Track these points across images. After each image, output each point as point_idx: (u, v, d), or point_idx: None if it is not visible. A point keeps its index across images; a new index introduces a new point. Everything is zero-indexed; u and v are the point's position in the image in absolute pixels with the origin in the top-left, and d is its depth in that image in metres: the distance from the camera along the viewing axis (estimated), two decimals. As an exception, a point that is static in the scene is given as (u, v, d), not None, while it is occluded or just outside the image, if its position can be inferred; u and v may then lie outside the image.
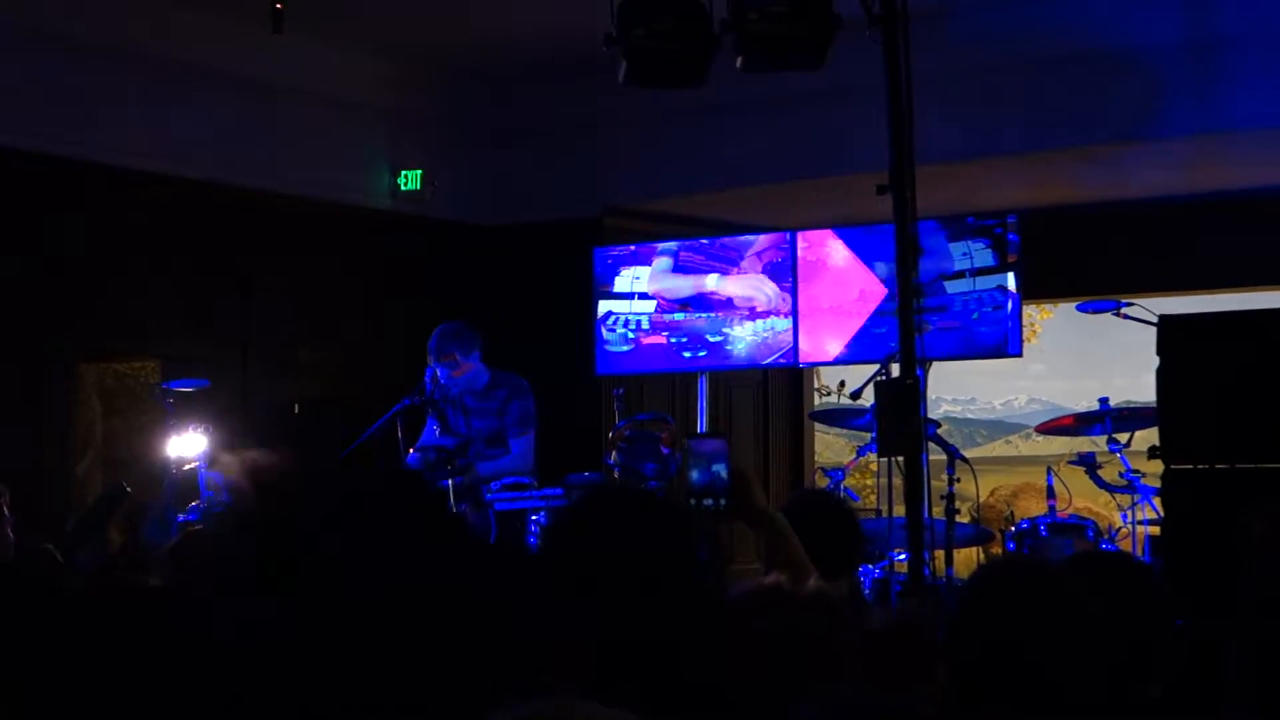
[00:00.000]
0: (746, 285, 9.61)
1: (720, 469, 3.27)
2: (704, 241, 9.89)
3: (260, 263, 9.81)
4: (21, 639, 2.34)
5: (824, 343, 9.43)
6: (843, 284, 9.37)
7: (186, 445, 8.18)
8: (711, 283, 9.71)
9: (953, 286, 8.95)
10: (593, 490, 3.23)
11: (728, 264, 9.71)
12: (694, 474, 3.27)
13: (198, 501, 7.90)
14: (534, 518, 7.29)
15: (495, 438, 8.03)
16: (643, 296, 9.91)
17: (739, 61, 6.18)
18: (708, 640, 2.30)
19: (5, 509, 5.97)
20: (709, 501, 3.22)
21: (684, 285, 9.79)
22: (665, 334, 9.85)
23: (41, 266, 8.73)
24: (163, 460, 8.31)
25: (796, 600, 2.74)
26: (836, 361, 9.73)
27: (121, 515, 8.33)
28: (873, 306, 9.22)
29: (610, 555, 2.29)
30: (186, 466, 8.16)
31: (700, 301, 9.74)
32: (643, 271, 9.93)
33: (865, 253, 9.30)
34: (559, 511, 2.56)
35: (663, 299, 9.82)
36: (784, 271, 9.51)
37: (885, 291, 9.04)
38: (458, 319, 8.29)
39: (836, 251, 9.42)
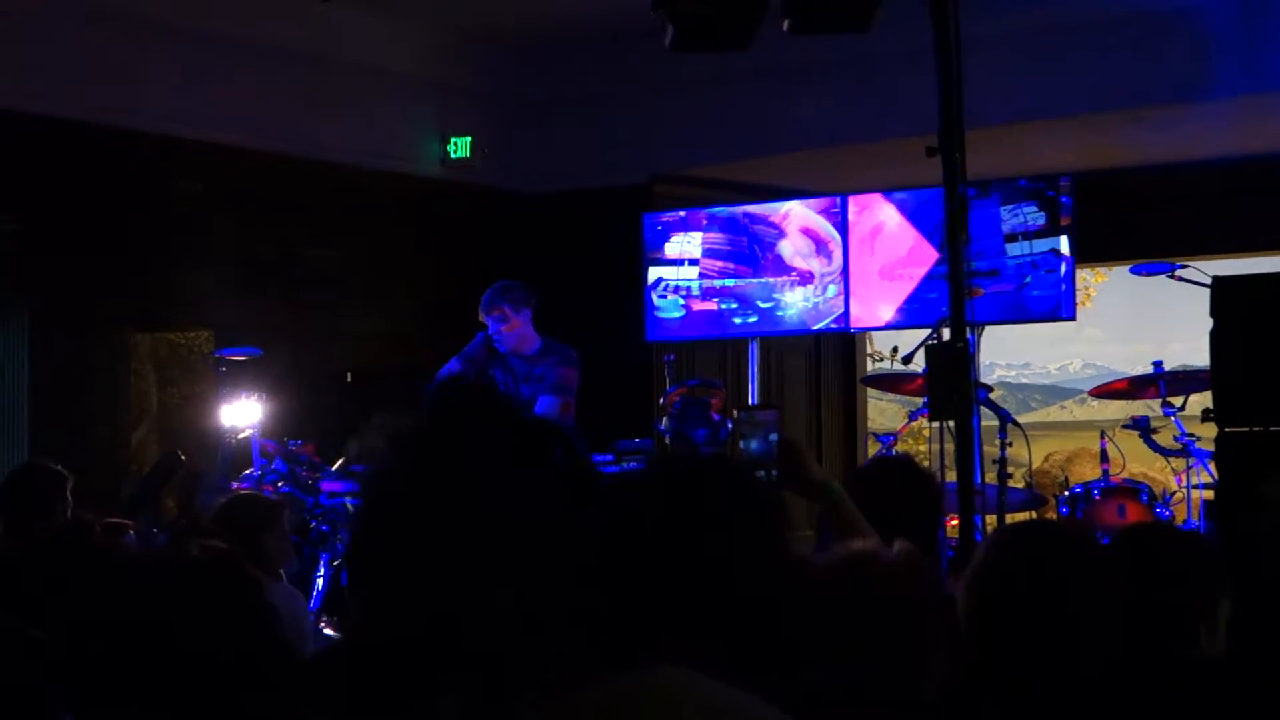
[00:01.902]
0: (797, 241, 9.58)
1: (773, 439, 3.25)
2: (754, 207, 9.87)
3: (310, 232, 9.87)
4: (75, 608, 2.36)
5: (876, 307, 9.39)
6: (894, 248, 9.33)
7: (240, 414, 8.25)
8: (772, 234, 9.68)
9: (1006, 250, 8.90)
10: (668, 457, 3.21)
11: (780, 220, 9.68)
12: (747, 445, 3.25)
13: (251, 469, 7.97)
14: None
15: (534, 403, 8.03)
16: (693, 262, 9.90)
17: (786, 24, 6.15)
18: (789, 606, 2.28)
19: (69, 495, 6.04)
20: (761, 472, 3.20)
21: (736, 236, 9.77)
22: (715, 300, 9.83)
23: (94, 238, 8.79)
24: (216, 429, 8.37)
25: (890, 562, 2.72)
26: (888, 326, 9.70)
27: (177, 483, 8.41)
28: (924, 270, 9.18)
29: (684, 522, 2.26)
30: (240, 435, 8.23)
31: (752, 254, 9.71)
32: (694, 237, 9.91)
33: (916, 216, 9.26)
34: (634, 477, 2.51)
35: (718, 252, 9.79)
36: (835, 237, 9.47)
37: (936, 255, 8.99)
38: (513, 280, 8.27)
39: (888, 216, 9.37)
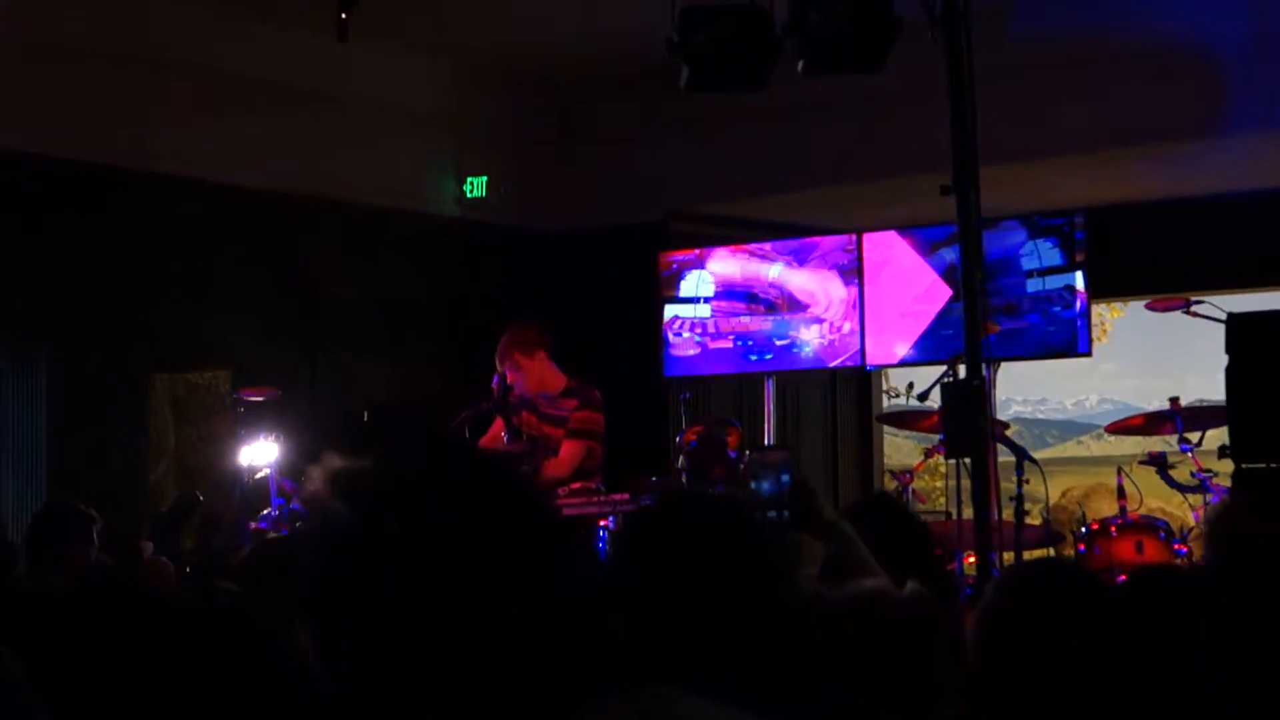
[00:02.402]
0: (812, 280, 9.61)
1: (785, 479, 3.27)
2: (767, 245, 9.90)
3: (328, 271, 9.90)
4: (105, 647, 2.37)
5: (891, 344, 9.40)
6: (909, 285, 9.34)
7: (257, 453, 8.27)
8: (775, 273, 9.71)
9: (1022, 286, 8.91)
10: (671, 494, 3.23)
11: (794, 258, 9.71)
12: (759, 485, 3.27)
13: (269, 509, 7.98)
14: (602, 523, 7.30)
15: (559, 445, 8.02)
16: (708, 300, 9.92)
17: (800, 65, 6.19)
18: (793, 643, 2.30)
19: (95, 536, 6.05)
20: (773, 513, 3.22)
21: (751, 274, 9.80)
22: (731, 337, 9.85)
23: (112, 278, 8.82)
24: (234, 468, 8.39)
25: (901, 602, 2.73)
26: (904, 363, 9.70)
27: (195, 522, 8.43)
28: (939, 307, 9.19)
29: (691, 559, 2.30)
30: (258, 475, 8.25)
31: (765, 294, 9.74)
32: (709, 276, 9.94)
33: (931, 253, 9.27)
34: (638, 514, 2.57)
35: (733, 290, 9.81)
36: (850, 273, 9.49)
37: (951, 291, 9.01)
38: (526, 322, 8.29)
39: (902, 253, 9.39)
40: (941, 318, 9.13)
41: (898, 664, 2.64)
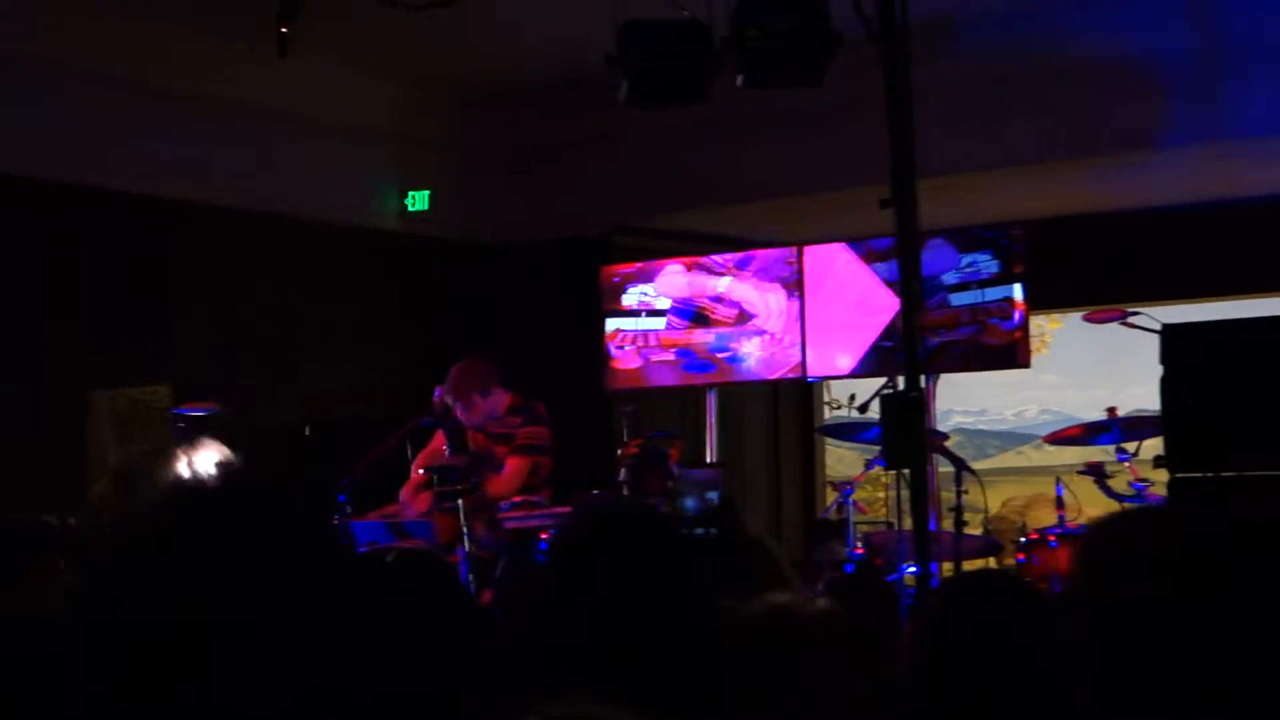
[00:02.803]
0: (754, 293, 9.64)
1: (712, 497, 3.30)
2: (708, 258, 9.93)
3: (270, 286, 9.86)
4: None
5: (833, 356, 9.44)
6: (851, 297, 9.38)
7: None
8: (722, 285, 9.74)
9: (960, 298, 8.96)
10: (589, 508, 3.27)
11: (736, 270, 9.74)
12: (686, 503, 3.30)
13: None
14: (544, 535, 7.30)
15: (505, 460, 8.04)
16: (651, 313, 9.94)
17: (740, 79, 6.22)
18: (705, 654, 2.33)
19: (57, 545, 5.97)
20: (701, 530, 3.25)
21: (693, 286, 9.82)
22: (673, 350, 9.87)
23: (50, 294, 8.77)
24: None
25: (804, 617, 2.77)
26: (846, 375, 9.75)
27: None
28: (881, 319, 9.23)
29: (604, 571, 2.34)
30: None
31: (707, 306, 9.76)
32: (651, 289, 9.95)
33: (873, 265, 9.32)
34: (559, 530, 2.64)
35: (675, 302, 9.84)
36: (791, 285, 9.53)
37: (892, 304, 9.05)
38: (475, 349, 8.28)
39: (844, 265, 9.43)
40: (884, 330, 9.17)
41: (803, 677, 2.67)
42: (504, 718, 1.57)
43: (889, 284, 9.09)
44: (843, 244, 9.51)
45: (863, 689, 2.77)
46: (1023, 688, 2.71)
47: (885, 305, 9.21)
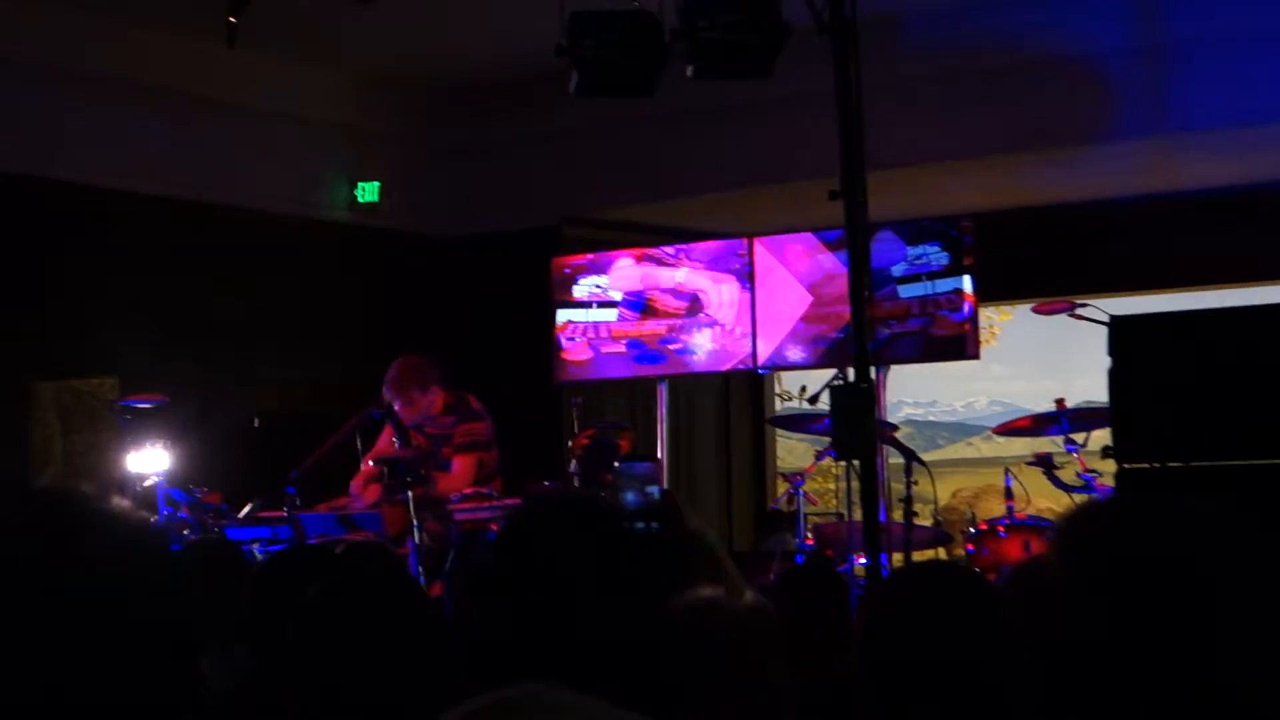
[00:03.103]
0: (704, 284, 9.65)
1: (653, 491, 3.30)
2: (659, 250, 9.93)
3: (218, 277, 9.81)
4: None
5: (783, 348, 9.45)
6: (801, 289, 9.40)
7: (145, 461, 8.16)
8: (674, 277, 9.75)
9: (909, 290, 8.99)
10: (532, 499, 3.28)
11: (686, 262, 9.75)
12: (626, 496, 3.30)
13: (155, 517, 7.88)
14: (494, 527, 7.29)
15: (449, 460, 8.06)
16: (602, 304, 9.93)
17: (690, 70, 6.21)
18: (643, 644, 2.35)
19: None
20: (641, 524, 3.25)
21: (644, 278, 9.83)
22: (624, 342, 9.86)
23: (-3, 284, 8.71)
24: (122, 477, 8.28)
25: (731, 612, 2.80)
26: (796, 366, 9.76)
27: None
28: (831, 311, 9.25)
29: (547, 561, 2.36)
30: (146, 483, 8.14)
31: (657, 298, 9.76)
32: (603, 280, 9.95)
33: (823, 257, 9.33)
34: (505, 520, 2.66)
35: (626, 294, 9.84)
36: (743, 277, 9.54)
37: (842, 295, 9.07)
38: (425, 341, 8.30)
39: (794, 257, 9.45)
40: (834, 321, 9.20)
41: (727, 670, 2.70)
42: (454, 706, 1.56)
43: (839, 275, 9.10)
44: (793, 235, 9.53)
45: (786, 682, 2.80)
46: (970, 679, 2.72)
47: (836, 297, 9.22)
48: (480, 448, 8.05)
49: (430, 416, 8.05)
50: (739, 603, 2.81)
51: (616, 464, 3.39)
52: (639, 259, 9.91)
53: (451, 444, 8.01)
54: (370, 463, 7.92)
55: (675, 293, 9.75)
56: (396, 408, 7.94)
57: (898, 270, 8.99)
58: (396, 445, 7.99)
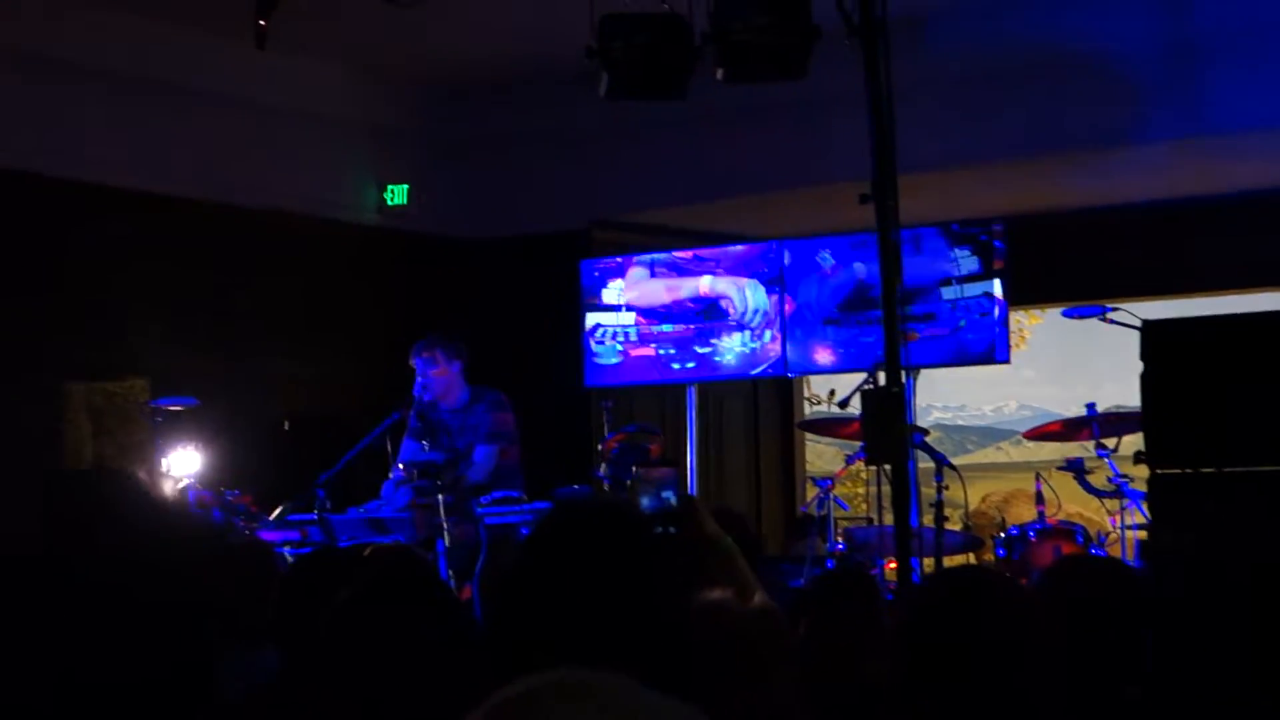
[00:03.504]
0: (734, 288, 9.63)
1: (669, 496, 3.32)
2: (688, 252, 9.92)
3: (247, 279, 9.83)
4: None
5: (813, 352, 9.43)
6: (830, 292, 9.38)
7: (177, 464, 8.20)
8: (703, 281, 9.73)
9: (940, 294, 8.96)
10: (564, 503, 3.29)
11: (716, 266, 9.73)
12: (644, 501, 3.32)
13: (209, 512, 7.92)
14: (523, 531, 7.29)
15: (472, 451, 8.08)
16: (630, 308, 9.93)
17: (720, 73, 6.20)
18: (667, 645, 2.37)
19: None
20: (659, 528, 3.27)
21: (664, 290, 9.81)
22: (653, 345, 9.85)
23: (26, 286, 8.72)
24: (153, 479, 8.31)
25: (739, 613, 2.82)
26: (825, 370, 9.74)
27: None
28: (860, 315, 9.23)
29: (574, 564, 2.39)
30: (178, 485, 8.17)
31: (688, 301, 9.75)
32: (631, 283, 9.93)
33: (851, 261, 9.31)
34: (534, 524, 2.70)
35: (639, 308, 9.83)
36: (772, 281, 9.52)
37: (872, 299, 9.05)
38: (447, 334, 8.33)
39: (824, 260, 9.43)
40: (863, 325, 9.17)
41: (734, 668, 2.73)
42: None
43: (869, 280, 9.08)
44: (816, 238, 9.51)
45: (794, 683, 2.83)
46: (1002, 683, 2.71)
47: (860, 301, 9.20)
48: (504, 439, 8.08)
49: (454, 407, 8.07)
50: (747, 605, 2.84)
51: (636, 470, 3.42)
52: (668, 262, 9.88)
53: (478, 434, 8.04)
54: (400, 465, 7.94)
55: (704, 296, 9.73)
56: (418, 366, 7.98)
57: (930, 274, 8.96)
58: (426, 447, 8.02)
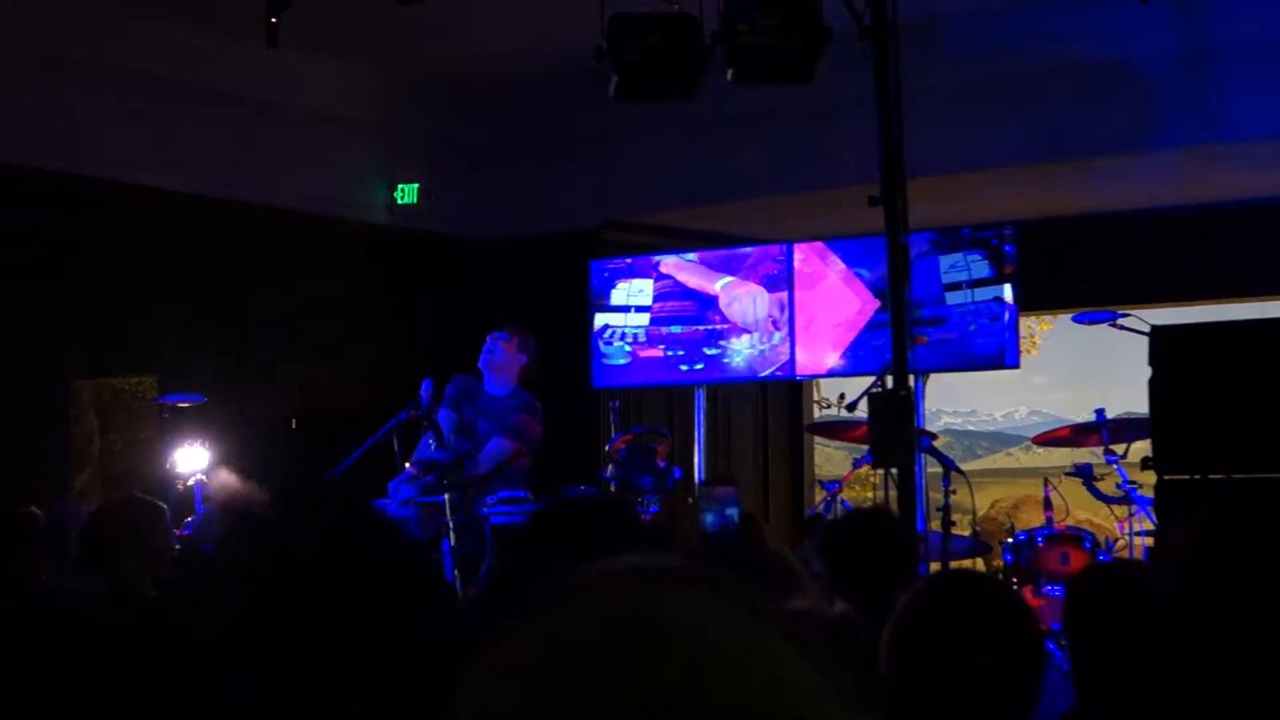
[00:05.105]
0: (744, 289, 9.62)
1: (732, 514, 3.33)
2: (697, 255, 9.90)
3: (257, 278, 9.83)
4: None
5: (821, 355, 9.42)
6: (840, 296, 9.37)
7: (184, 460, 8.20)
8: (712, 283, 9.72)
9: (950, 298, 8.95)
10: (558, 498, 3.30)
11: (725, 268, 9.73)
12: (707, 519, 3.33)
13: (193, 516, 7.91)
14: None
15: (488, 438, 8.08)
16: (639, 309, 9.92)
17: (730, 74, 6.20)
18: None
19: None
20: (722, 546, 3.29)
21: (679, 282, 9.82)
22: (662, 347, 9.84)
23: (37, 282, 8.73)
24: (161, 475, 8.31)
25: (826, 620, 2.84)
26: (834, 373, 9.73)
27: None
28: (869, 318, 9.22)
29: (562, 557, 2.39)
30: (186, 482, 8.17)
31: (696, 303, 9.74)
32: (643, 284, 9.93)
33: (861, 265, 9.30)
34: (529, 519, 2.69)
35: (664, 297, 9.82)
36: (781, 284, 9.51)
37: (880, 303, 9.04)
38: (462, 344, 8.40)
39: (833, 264, 9.42)
40: (873, 328, 9.16)
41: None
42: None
43: (875, 282, 9.07)
44: (826, 241, 9.50)
45: (875, 687, 2.82)
46: (990, 687, 2.71)
47: (870, 304, 9.19)
48: (524, 441, 8.07)
49: (496, 395, 8.10)
50: (830, 612, 2.86)
51: (699, 486, 3.47)
52: (677, 264, 9.88)
53: (503, 425, 8.03)
54: (406, 464, 7.93)
55: (713, 298, 9.72)
56: (489, 344, 8.06)
57: (940, 278, 8.94)
58: (432, 447, 8.01)
